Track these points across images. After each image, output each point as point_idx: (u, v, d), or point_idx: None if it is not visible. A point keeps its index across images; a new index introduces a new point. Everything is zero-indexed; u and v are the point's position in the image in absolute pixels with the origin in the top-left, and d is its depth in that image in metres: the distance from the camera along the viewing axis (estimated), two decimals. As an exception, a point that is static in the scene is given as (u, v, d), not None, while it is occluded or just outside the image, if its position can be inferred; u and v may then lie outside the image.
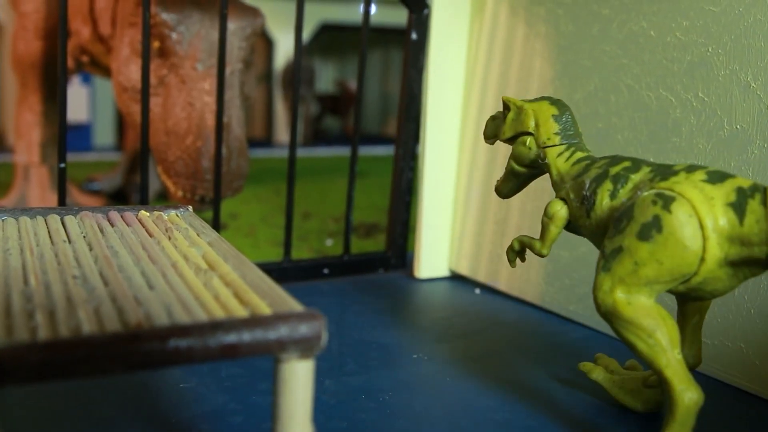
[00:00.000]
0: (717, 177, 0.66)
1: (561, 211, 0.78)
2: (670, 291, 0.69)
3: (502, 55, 1.25)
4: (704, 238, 0.64)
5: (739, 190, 0.65)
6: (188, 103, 1.29)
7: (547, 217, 0.79)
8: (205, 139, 1.26)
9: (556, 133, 0.81)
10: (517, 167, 0.85)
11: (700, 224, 0.65)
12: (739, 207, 0.64)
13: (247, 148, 1.30)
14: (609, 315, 0.69)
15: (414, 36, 1.31)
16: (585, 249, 1.10)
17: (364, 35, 1.27)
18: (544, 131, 0.81)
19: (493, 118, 0.88)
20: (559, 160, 0.80)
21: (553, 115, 0.81)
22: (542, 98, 0.84)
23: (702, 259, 0.65)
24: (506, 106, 0.85)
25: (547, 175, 0.82)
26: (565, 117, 0.81)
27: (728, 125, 0.92)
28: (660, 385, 0.83)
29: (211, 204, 1.28)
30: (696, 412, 0.67)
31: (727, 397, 0.90)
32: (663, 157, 0.98)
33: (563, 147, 0.81)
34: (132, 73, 1.35)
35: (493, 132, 0.88)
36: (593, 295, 0.70)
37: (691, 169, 0.68)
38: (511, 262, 0.86)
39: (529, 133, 0.82)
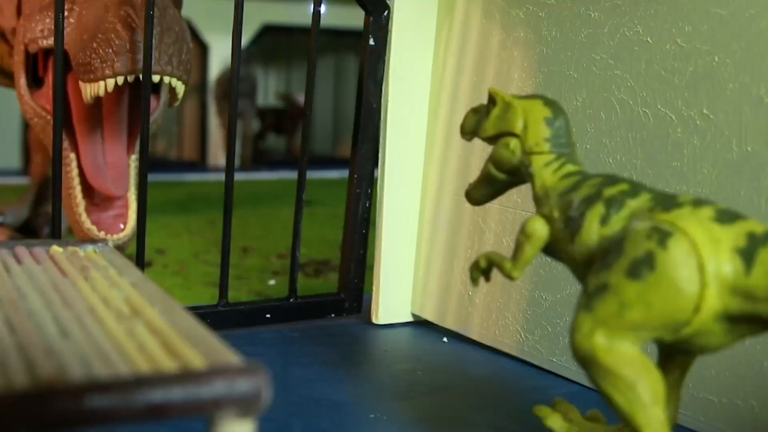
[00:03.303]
0: (727, 217, 0.66)
1: (541, 230, 0.77)
2: (655, 340, 0.69)
3: (474, 65, 1.26)
4: (702, 284, 0.64)
5: (751, 236, 0.65)
6: (103, 5, 1.25)
7: (523, 234, 0.78)
8: (132, 4, 1.23)
9: (546, 139, 0.80)
10: (495, 172, 0.84)
11: (699, 267, 0.64)
12: (748, 255, 0.64)
13: (187, 34, 1.27)
14: (585, 361, 0.69)
15: (372, 41, 1.32)
16: (571, 290, 1.10)
17: (314, 40, 1.27)
18: (533, 135, 0.80)
19: (474, 111, 0.87)
20: (546, 170, 0.79)
21: (545, 118, 0.80)
22: (535, 96, 0.83)
23: (697, 308, 0.64)
24: (492, 100, 0.84)
25: (527, 200, 0.81)
26: (558, 122, 0.80)
27: (737, 147, 0.93)
28: None
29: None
30: None
31: (736, 462, 0.90)
32: (662, 184, 0.99)
33: (552, 156, 0.80)
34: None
35: (472, 127, 0.87)
36: (570, 337, 0.70)
37: (698, 203, 0.68)
38: (474, 281, 0.84)
39: (515, 135, 0.81)
